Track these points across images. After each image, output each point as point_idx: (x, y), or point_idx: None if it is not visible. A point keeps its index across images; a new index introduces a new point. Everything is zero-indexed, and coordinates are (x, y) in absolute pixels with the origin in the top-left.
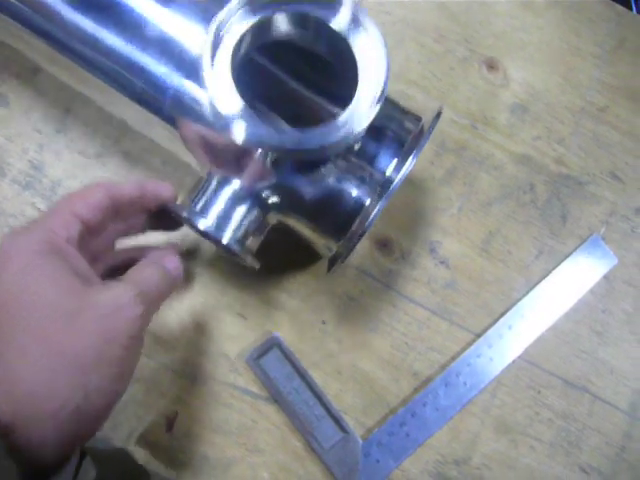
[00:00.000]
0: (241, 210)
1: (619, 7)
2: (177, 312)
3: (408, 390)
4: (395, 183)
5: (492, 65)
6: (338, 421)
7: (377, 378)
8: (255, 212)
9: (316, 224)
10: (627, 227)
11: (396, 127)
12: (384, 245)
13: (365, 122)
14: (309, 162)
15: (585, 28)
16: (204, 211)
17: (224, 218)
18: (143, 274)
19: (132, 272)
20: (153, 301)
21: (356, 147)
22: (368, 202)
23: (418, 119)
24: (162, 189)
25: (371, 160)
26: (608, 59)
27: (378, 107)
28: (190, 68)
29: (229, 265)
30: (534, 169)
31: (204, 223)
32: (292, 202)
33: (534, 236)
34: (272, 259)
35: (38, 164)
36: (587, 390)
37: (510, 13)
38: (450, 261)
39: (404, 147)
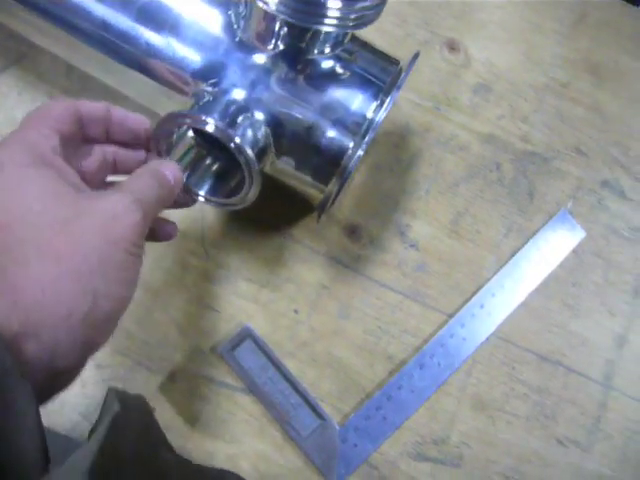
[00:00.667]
0: (247, 118)
1: None
2: (149, 308)
3: (383, 374)
4: (376, 121)
5: (453, 46)
6: (314, 408)
7: (352, 364)
8: (260, 124)
9: (304, 164)
10: (594, 200)
11: (375, 70)
12: (352, 231)
13: None
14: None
15: (545, 5)
16: (208, 114)
17: (232, 121)
18: (140, 181)
19: (129, 180)
20: (151, 208)
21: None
22: (351, 144)
23: (396, 61)
24: (131, 119)
25: (352, 101)
26: (569, 34)
27: None
28: None
29: (200, 260)
30: (499, 148)
31: (213, 121)
32: (285, 127)
33: (502, 214)
34: (241, 251)
35: None
36: (561, 363)
37: None
38: (420, 243)
39: (383, 89)
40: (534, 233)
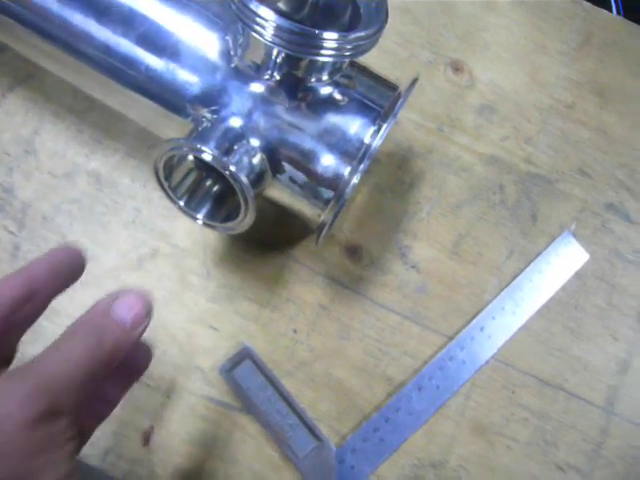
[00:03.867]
0: (243, 145)
1: (585, 3)
2: (149, 327)
3: (382, 396)
4: (373, 147)
5: (457, 67)
6: (312, 429)
7: (350, 385)
8: (256, 152)
9: (301, 189)
10: (597, 223)
11: (373, 95)
12: (353, 252)
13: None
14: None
15: (550, 26)
16: (204, 141)
17: (228, 149)
18: (57, 355)
19: (42, 354)
20: (75, 385)
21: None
22: (348, 170)
23: (394, 86)
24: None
25: (350, 127)
26: (574, 56)
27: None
28: None
29: (201, 279)
30: (503, 169)
31: (209, 150)
32: (282, 153)
33: (505, 236)
34: (242, 270)
35: (8, 187)
36: (562, 388)
37: (473, 14)
38: (421, 265)
39: (381, 114)
40: (537, 256)
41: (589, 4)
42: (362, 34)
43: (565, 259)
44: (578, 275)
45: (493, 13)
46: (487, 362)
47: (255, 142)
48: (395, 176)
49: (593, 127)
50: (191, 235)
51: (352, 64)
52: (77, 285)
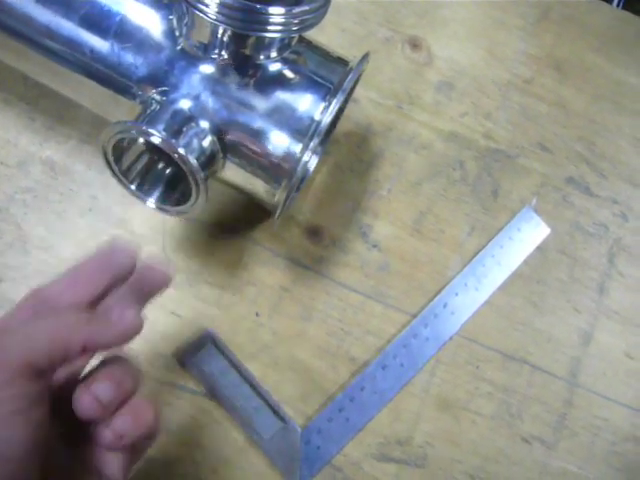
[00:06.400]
0: (192, 128)
1: None
2: None
3: (346, 376)
4: (323, 124)
5: (415, 44)
6: (276, 411)
7: (315, 366)
8: (205, 133)
9: (254, 170)
10: (558, 197)
11: (323, 71)
12: (314, 233)
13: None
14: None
15: (509, 1)
16: (153, 124)
17: (177, 131)
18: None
19: None
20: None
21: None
22: (299, 147)
23: (344, 62)
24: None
25: (299, 104)
26: (533, 31)
27: None
28: None
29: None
30: (463, 145)
31: (157, 132)
32: (233, 134)
33: (466, 213)
34: (202, 254)
35: None
36: (525, 361)
37: None
38: (382, 244)
39: (331, 90)
40: (498, 231)
41: None
42: (307, 8)
43: (526, 234)
44: (540, 249)
45: None
46: (451, 338)
47: (205, 124)
48: (354, 155)
49: (552, 102)
50: (149, 221)
51: (301, 40)
52: (33, 274)
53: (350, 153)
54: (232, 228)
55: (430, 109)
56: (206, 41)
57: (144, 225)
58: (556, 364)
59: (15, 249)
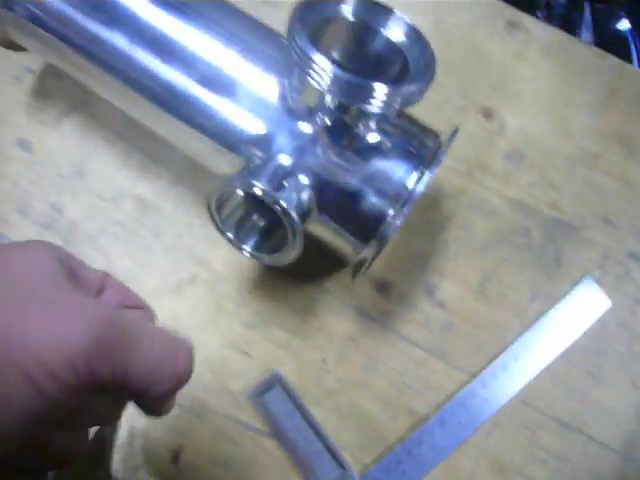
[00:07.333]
0: (292, 182)
1: (612, 58)
2: None
3: (405, 428)
4: (416, 193)
5: (488, 114)
6: (336, 457)
7: (375, 415)
8: (304, 189)
9: (345, 227)
10: (621, 271)
11: (416, 143)
12: (383, 287)
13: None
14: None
15: (578, 77)
16: (257, 177)
17: (279, 185)
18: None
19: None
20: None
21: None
22: (391, 211)
23: (436, 135)
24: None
25: (394, 173)
26: (600, 107)
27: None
28: None
29: (236, 305)
30: (529, 214)
31: (262, 186)
32: (328, 192)
33: (529, 279)
34: (276, 299)
35: (58, 206)
36: (581, 431)
37: (505, 64)
38: (447, 303)
39: (424, 161)
40: (560, 300)
41: (615, 59)
42: (413, 88)
43: (587, 305)
44: (600, 321)
45: (523, 63)
46: (509, 401)
47: (304, 180)
48: (425, 216)
49: (617, 177)
50: (228, 262)
51: (397, 112)
52: None
53: (421, 214)
54: (306, 276)
55: (499, 177)
56: (312, 105)
57: (223, 265)
58: (611, 437)
59: None
